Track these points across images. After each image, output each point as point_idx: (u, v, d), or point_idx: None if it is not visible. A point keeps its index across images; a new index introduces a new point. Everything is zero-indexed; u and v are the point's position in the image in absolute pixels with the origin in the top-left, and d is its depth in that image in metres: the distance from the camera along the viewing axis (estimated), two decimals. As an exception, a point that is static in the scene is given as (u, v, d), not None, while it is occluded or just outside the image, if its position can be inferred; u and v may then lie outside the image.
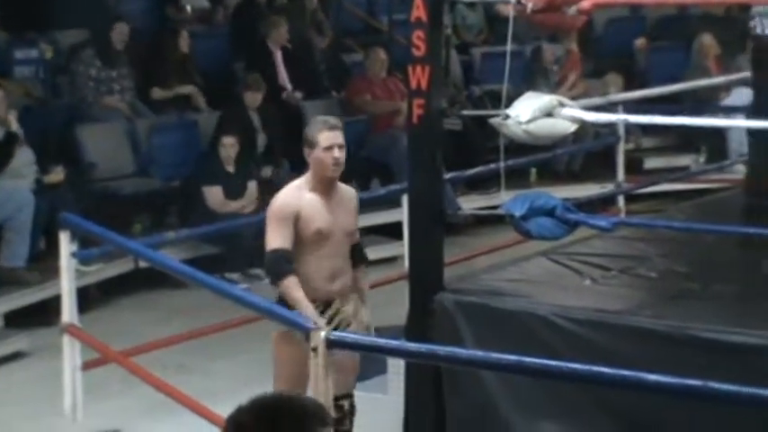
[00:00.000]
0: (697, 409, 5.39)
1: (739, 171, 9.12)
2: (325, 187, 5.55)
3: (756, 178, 7.49)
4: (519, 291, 6.39)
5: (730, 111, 10.70)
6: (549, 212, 6.47)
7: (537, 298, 6.25)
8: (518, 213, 6.45)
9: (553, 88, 11.12)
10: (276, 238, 5.45)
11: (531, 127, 6.29)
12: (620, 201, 8.58)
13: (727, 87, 11.52)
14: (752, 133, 7.64)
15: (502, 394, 6.05)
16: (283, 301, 5.49)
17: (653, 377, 4.59)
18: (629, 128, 10.34)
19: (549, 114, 6.37)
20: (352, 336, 5.08)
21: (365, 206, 10.54)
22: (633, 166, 10.89)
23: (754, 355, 5.46)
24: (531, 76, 11.95)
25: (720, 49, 12.29)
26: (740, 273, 6.90)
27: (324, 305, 5.50)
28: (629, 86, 11.57)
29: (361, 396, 6.59)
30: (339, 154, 5.41)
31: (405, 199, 6.66)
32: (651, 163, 12.23)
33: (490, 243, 8.56)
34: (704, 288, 6.44)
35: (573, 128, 6.76)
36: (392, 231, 9.23)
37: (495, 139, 7.54)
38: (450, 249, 6.92)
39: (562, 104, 6.33)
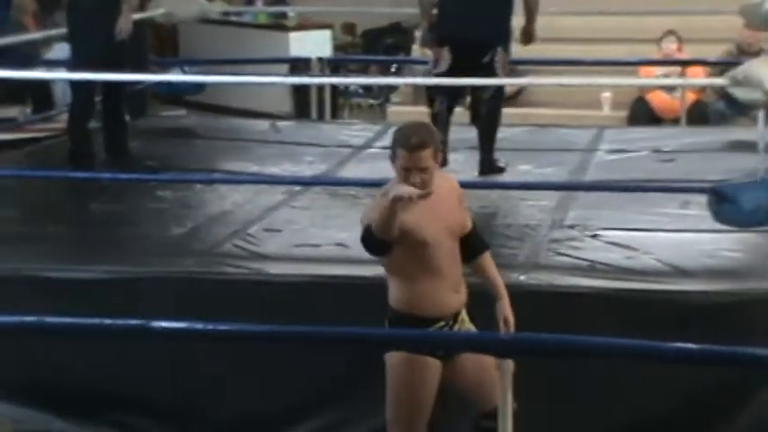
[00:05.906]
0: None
1: (64, 120, 9.17)
2: None
3: (77, 126, 7.63)
4: None
5: (53, 64, 10.68)
6: None
7: None
8: None
9: None
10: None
11: None
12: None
13: (49, 42, 11.49)
14: (72, 84, 7.74)
15: None
16: (396, 321, 4.38)
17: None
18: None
19: None
20: None
21: None
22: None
23: (88, 288, 5.58)
24: None
25: (38, 6, 12.21)
26: (70, 214, 6.99)
27: (453, 319, 4.42)
28: None
29: None
30: (416, 179, 4.21)
31: None
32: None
33: None
34: (39, 230, 6.46)
35: None
36: None
37: None
38: None
39: None
